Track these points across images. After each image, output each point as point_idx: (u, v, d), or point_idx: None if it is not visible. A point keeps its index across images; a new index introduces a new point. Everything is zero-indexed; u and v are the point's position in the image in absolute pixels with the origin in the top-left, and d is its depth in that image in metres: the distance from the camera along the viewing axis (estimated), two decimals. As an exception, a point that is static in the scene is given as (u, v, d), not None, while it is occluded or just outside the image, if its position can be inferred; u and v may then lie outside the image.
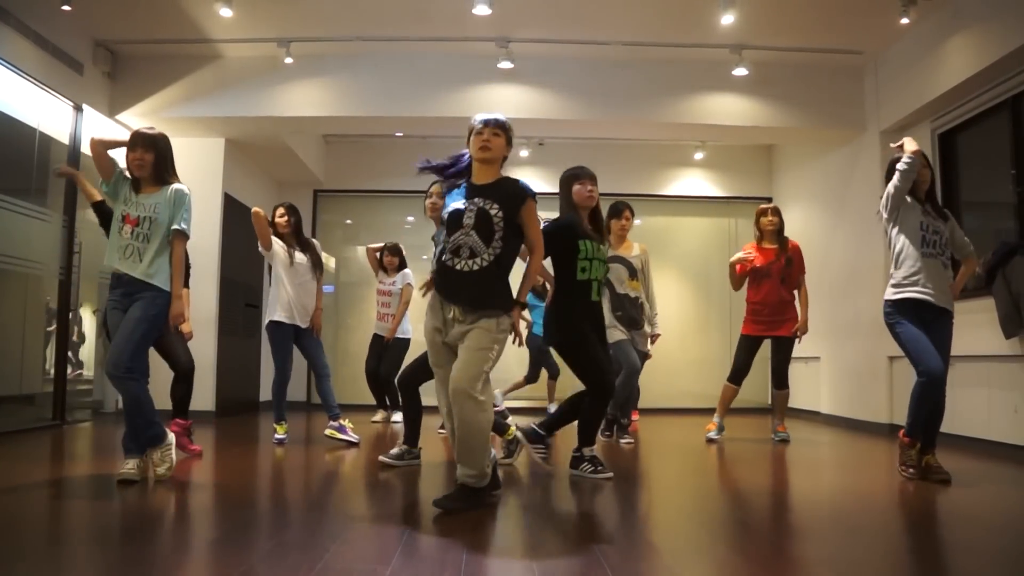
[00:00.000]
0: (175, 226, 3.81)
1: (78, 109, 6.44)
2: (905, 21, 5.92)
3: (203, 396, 7.14)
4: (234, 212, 7.81)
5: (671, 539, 2.96)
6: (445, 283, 3.24)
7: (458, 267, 3.19)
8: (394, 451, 4.45)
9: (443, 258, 3.23)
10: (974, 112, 6.10)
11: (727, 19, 6.03)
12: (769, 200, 9.57)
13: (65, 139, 6.36)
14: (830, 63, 7.08)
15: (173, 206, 3.82)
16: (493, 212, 3.21)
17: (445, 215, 3.27)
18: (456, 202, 3.28)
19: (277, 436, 5.48)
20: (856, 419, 7.23)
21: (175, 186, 3.87)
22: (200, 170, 7.24)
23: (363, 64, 7.06)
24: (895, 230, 4.14)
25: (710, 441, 5.88)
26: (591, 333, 4.09)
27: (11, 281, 5.94)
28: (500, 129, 3.32)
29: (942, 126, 6.39)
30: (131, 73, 7.00)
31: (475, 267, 3.18)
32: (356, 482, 4.09)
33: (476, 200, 3.24)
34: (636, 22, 6.50)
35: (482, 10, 5.94)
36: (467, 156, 3.39)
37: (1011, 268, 5.10)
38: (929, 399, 3.96)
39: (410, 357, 5.00)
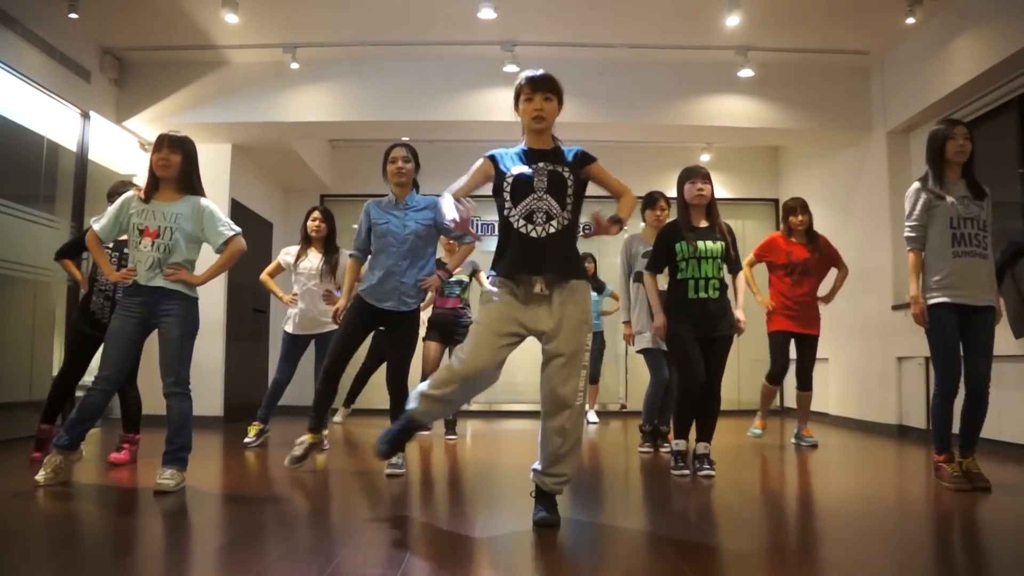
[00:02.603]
0: (231, 232, 3.79)
1: (85, 116, 6.46)
2: (911, 21, 5.90)
3: (211, 401, 7.16)
4: (241, 218, 7.82)
5: (681, 541, 2.95)
6: (523, 254, 2.96)
7: (533, 234, 2.95)
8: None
9: (516, 227, 2.97)
10: (981, 111, 6.08)
11: (732, 20, 6.02)
12: (775, 202, 9.57)
13: (73, 146, 6.39)
14: (836, 64, 7.06)
15: (206, 221, 3.76)
16: (565, 174, 3.01)
17: (510, 180, 3.01)
18: (518, 167, 3.03)
19: (246, 439, 5.50)
20: (864, 420, 7.20)
21: (202, 201, 3.79)
22: (206, 176, 6.98)
23: (369, 69, 7.07)
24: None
25: (756, 437, 5.99)
26: (686, 332, 4.22)
27: (19, 288, 5.96)
28: (552, 93, 3.03)
29: (949, 126, 6.36)
30: (138, 80, 7.02)
31: (552, 230, 2.95)
32: (364, 487, 4.08)
33: (541, 165, 3.01)
34: (641, 24, 6.49)
35: (487, 14, 5.94)
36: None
37: (1020, 268, 5.07)
38: (949, 410, 3.88)
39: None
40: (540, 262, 2.96)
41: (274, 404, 5.59)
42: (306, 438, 4.34)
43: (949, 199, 3.90)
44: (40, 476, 3.65)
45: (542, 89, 3.02)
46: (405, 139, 8.41)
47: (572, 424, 2.99)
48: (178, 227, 3.69)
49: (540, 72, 3.06)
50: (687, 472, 4.27)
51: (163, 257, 3.67)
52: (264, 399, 5.61)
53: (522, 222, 2.97)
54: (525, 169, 3.01)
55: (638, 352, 5.47)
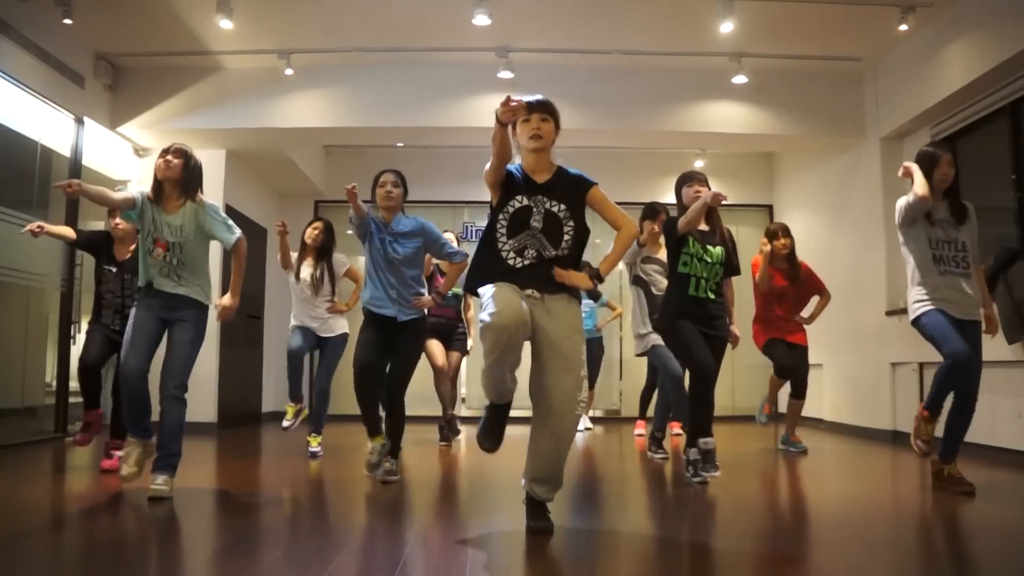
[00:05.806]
0: (232, 237, 3.85)
1: (79, 122, 6.45)
2: (904, 28, 5.93)
3: (204, 407, 7.13)
4: (235, 223, 7.80)
5: (674, 547, 2.95)
6: (509, 276, 2.93)
7: (519, 264, 2.94)
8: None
9: (505, 256, 2.95)
10: (974, 118, 6.11)
11: (726, 27, 6.03)
12: (770, 208, 9.59)
13: (66, 152, 6.37)
14: (829, 70, 7.09)
15: (210, 219, 3.82)
16: (561, 214, 2.97)
17: (510, 211, 2.96)
18: (519, 196, 2.97)
19: (284, 422, 5.58)
20: (859, 426, 7.21)
21: (199, 200, 3.83)
22: (201, 181, 7.26)
23: (363, 75, 7.07)
24: (906, 249, 4.04)
25: (763, 424, 6.02)
26: (686, 322, 4.19)
27: (13, 293, 5.94)
28: (548, 114, 3.01)
29: (942, 132, 6.40)
30: (132, 85, 7.01)
31: (539, 261, 2.94)
32: (359, 493, 4.07)
33: (540, 199, 2.97)
34: (635, 31, 6.51)
35: (482, 20, 5.95)
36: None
37: (1013, 274, 5.10)
38: (954, 381, 3.82)
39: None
40: (527, 284, 2.94)
41: (299, 378, 5.57)
42: (371, 445, 4.27)
43: (930, 220, 3.96)
44: (155, 486, 3.61)
45: (538, 110, 3.00)
46: (399, 144, 8.49)
47: (563, 431, 2.93)
48: (185, 239, 3.77)
49: (537, 96, 3.04)
50: (716, 474, 4.17)
51: (177, 268, 3.76)
52: (288, 378, 5.58)
53: (512, 254, 2.96)
54: (522, 202, 2.97)
55: (638, 355, 5.51)
